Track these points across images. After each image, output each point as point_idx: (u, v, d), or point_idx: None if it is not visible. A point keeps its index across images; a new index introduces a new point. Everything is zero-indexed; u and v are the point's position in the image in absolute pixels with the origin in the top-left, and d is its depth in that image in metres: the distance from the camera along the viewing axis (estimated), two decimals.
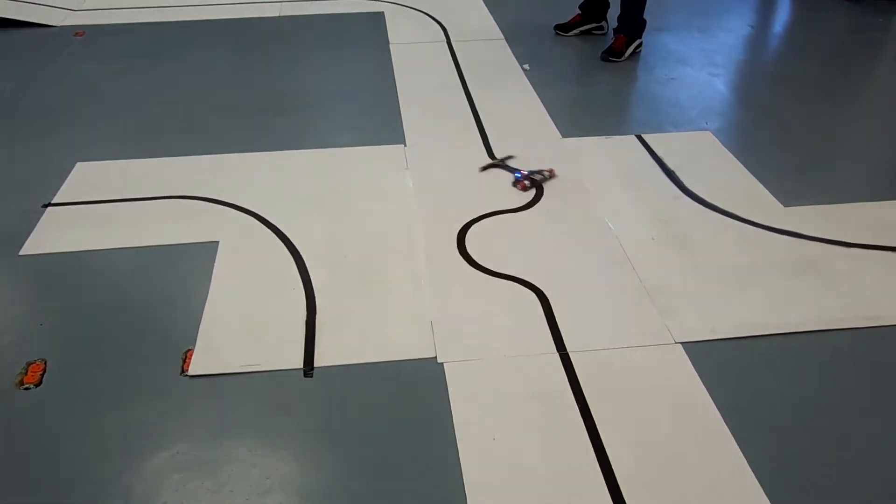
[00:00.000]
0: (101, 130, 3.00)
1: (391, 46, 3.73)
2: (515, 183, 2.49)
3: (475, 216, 2.32)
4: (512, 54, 3.62)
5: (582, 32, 3.89)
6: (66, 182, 2.58)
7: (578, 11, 3.89)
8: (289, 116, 3.08)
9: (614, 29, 3.64)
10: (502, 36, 3.84)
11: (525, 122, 2.95)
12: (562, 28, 3.91)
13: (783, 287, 2.00)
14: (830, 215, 2.32)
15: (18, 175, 2.68)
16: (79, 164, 2.70)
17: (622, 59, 3.55)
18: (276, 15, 4.23)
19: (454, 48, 3.68)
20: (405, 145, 2.78)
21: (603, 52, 3.57)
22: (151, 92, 3.33)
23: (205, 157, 2.74)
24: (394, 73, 3.42)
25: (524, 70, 3.42)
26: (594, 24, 3.90)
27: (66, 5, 4.34)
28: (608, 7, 3.86)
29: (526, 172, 2.52)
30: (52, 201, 2.46)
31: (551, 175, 2.54)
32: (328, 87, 3.35)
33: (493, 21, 4.06)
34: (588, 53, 3.70)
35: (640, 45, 3.63)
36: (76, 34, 3.98)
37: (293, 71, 3.52)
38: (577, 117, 3.03)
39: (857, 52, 3.76)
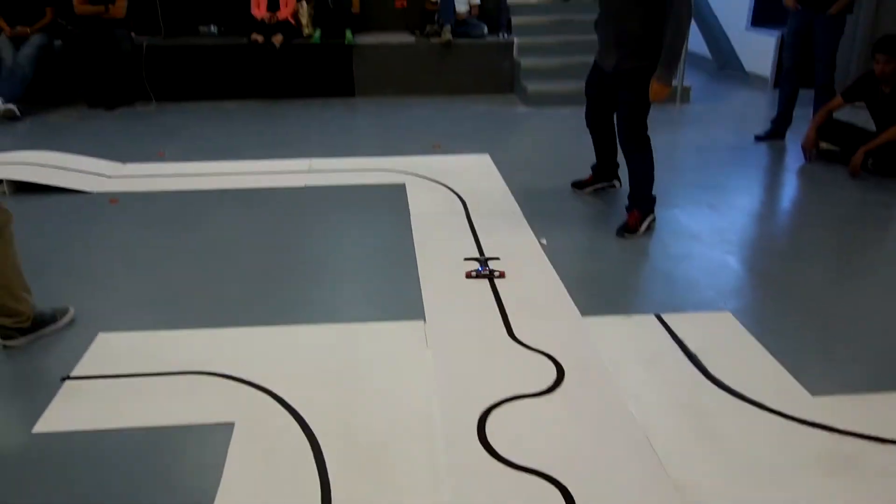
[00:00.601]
0: (126, 298, 3.05)
1: (412, 218, 3.85)
2: (472, 272, 3.21)
3: (496, 400, 2.28)
4: (528, 227, 3.72)
5: (596, 190, 4.15)
6: (87, 353, 2.58)
7: (591, 172, 4.16)
8: (309, 288, 3.13)
9: (626, 207, 3.76)
10: (518, 208, 3.97)
11: (545, 299, 2.98)
12: (578, 185, 4.24)
13: (820, 488, 1.91)
14: (862, 406, 2.26)
15: (41, 343, 2.69)
16: (101, 334, 2.72)
17: (637, 234, 3.65)
18: (302, 186, 4.42)
19: (472, 220, 3.79)
20: (425, 322, 2.79)
21: (619, 229, 3.67)
22: (177, 260, 3.42)
23: (225, 330, 2.75)
24: (414, 246, 3.50)
25: (542, 244, 3.50)
26: (606, 183, 4.15)
27: (104, 172, 4.57)
28: (618, 167, 4.10)
29: (486, 270, 3.22)
30: (72, 374, 2.46)
31: (501, 275, 3.17)
32: (349, 258, 3.43)
33: (509, 192, 4.21)
34: (602, 222, 3.81)
35: (653, 219, 3.74)
36: (111, 201, 4.16)
37: (315, 241, 3.63)
38: (594, 293, 3.06)
39: (867, 229, 3.84)
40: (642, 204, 3.72)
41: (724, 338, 2.69)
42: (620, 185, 4.22)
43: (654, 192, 3.72)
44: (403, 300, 2.99)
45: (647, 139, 3.64)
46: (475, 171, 4.59)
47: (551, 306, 2.92)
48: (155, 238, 3.67)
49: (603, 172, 4.18)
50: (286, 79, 6.60)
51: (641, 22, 3.37)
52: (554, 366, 2.48)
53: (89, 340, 2.67)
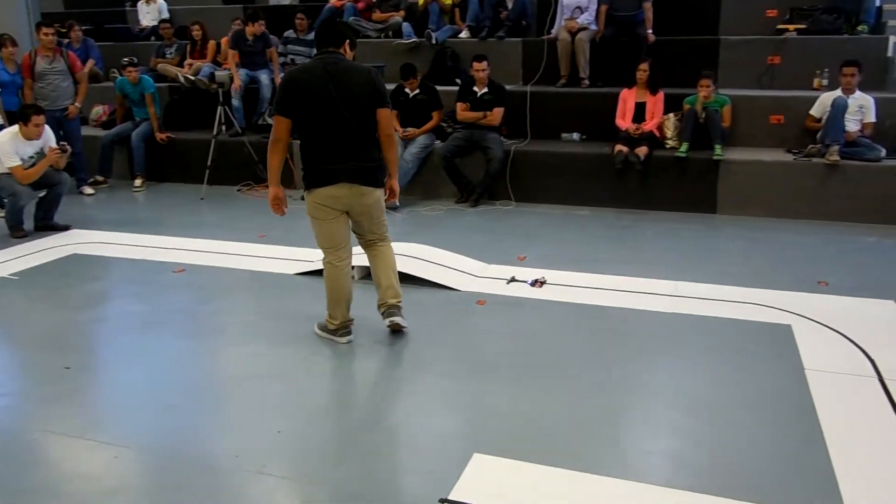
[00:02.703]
0: (496, 414, 3.00)
1: (807, 373, 3.29)
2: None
3: None
4: None
5: None
6: (464, 475, 2.52)
7: None
8: (683, 442, 2.76)
9: None
10: None
11: None
12: None
13: None
14: None
15: (417, 455, 2.71)
16: (476, 455, 2.65)
17: None
18: (667, 311, 4.09)
19: (891, 393, 3.11)
20: None
21: None
22: (538, 378, 3.32)
23: (599, 478, 2.51)
24: (814, 411, 2.95)
25: None
26: None
27: (471, 271, 4.74)
28: None
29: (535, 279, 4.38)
30: (449, 497, 2.39)
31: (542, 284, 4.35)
32: (727, 410, 2.99)
33: None
34: None
35: None
36: (479, 302, 4.26)
37: (684, 381, 3.26)
38: None
39: None
40: None
41: None
42: None
43: None
44: (810, 484, 2.47)
45: None
46: (882, 323, 3.85)
47: None
48: (515, 350, 3.64)
49: None
50: (644, 190, 6.42)
51: None
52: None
53: (464, 459, 2.62)
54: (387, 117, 3.50)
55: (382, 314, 3.71)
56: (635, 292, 4.39)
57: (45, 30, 6.92)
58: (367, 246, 3.74)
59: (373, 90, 3.44)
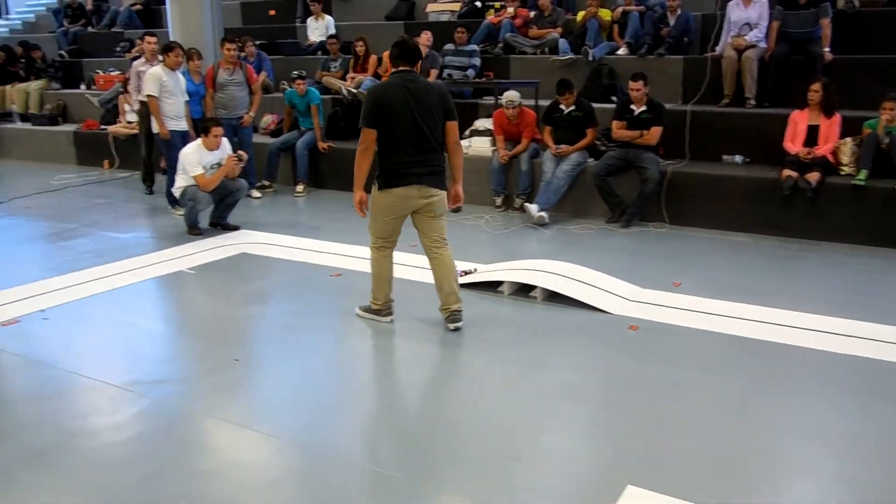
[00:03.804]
0: (648, 446, 2.89)
1: None
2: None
3: None
4: None
5: None
6: None
7: None
8: (847, 497, 2.52)
9: None
10: None
11: None
12: None
13: None
14: None
15: (568, 481, 2.66)
16: (629, 487, 2.56)
17: None
18: (838, 352, 3.77)
19: None
20: None
21: None
22: (701, 415, 3.15)
23: None
24: None
25: None
26: None
27: (624, 294, 4.60)
28: None
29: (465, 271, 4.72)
30: None
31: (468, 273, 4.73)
32: None
33: None
34: None
35: None
36: (631, 327, 4.13)
37: (856, 436, 2.98)
38: None
39: None
40: None
41: None
42: None
43: None
44: None
45: None
46: None
47: None
48: (669, 380, 3.49)
49: None
50: (813, 219, 5.99)
51: None
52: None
53: (616, 491, 2.54)
54: (455, 129, 3.98)
55: (446, 318, 4.08)
56: (801, 328, 4.10)
57: (227, 45, 7.49)
58: (430, 250, 4.08)
59: (445, 106, 3.91)
